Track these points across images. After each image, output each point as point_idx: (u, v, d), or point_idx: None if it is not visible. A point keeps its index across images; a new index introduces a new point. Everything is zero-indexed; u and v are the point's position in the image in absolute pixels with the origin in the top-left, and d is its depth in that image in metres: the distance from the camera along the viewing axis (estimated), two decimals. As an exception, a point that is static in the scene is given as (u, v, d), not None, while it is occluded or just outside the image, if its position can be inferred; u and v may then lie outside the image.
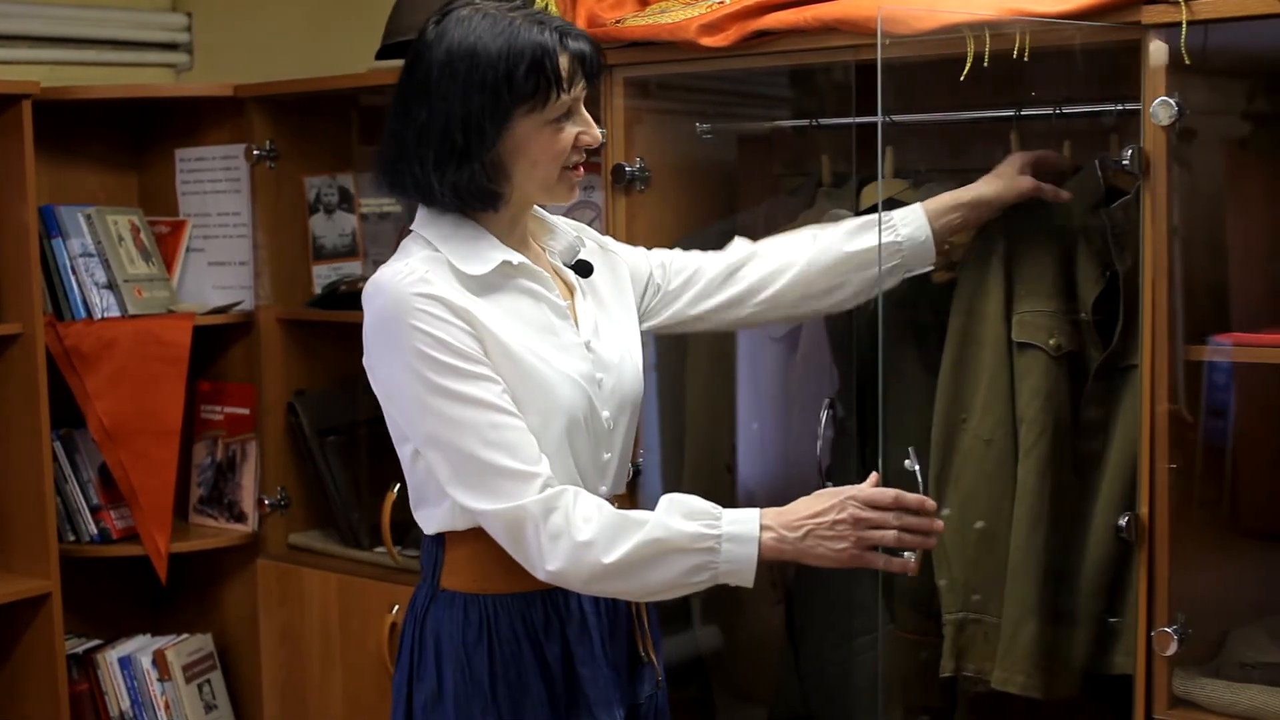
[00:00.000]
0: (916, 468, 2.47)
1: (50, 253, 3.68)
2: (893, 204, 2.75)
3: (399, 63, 3.31)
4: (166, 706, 3.79)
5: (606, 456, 2.32)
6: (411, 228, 2.28)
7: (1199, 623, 2.43)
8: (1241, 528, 2.68)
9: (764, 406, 3.03)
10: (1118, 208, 2.55)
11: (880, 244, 2.51)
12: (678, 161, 3.07)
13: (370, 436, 3.68)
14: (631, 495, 2.92)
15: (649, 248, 2.60)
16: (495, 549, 2.21)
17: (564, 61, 2.17)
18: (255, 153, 3.71)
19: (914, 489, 2.40)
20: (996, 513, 2.57)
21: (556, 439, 2.19)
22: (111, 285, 3.72)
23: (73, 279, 3.69)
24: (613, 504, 2.21)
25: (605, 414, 2.29)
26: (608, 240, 2.51)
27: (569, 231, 2.40)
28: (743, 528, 2.15)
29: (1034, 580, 2.53)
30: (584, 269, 2.38)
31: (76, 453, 3.77)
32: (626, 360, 2.36)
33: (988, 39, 2.43)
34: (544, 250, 2.37)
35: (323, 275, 3.83)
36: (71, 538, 3.75)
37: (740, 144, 3.25)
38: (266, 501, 3.78)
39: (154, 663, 3.80)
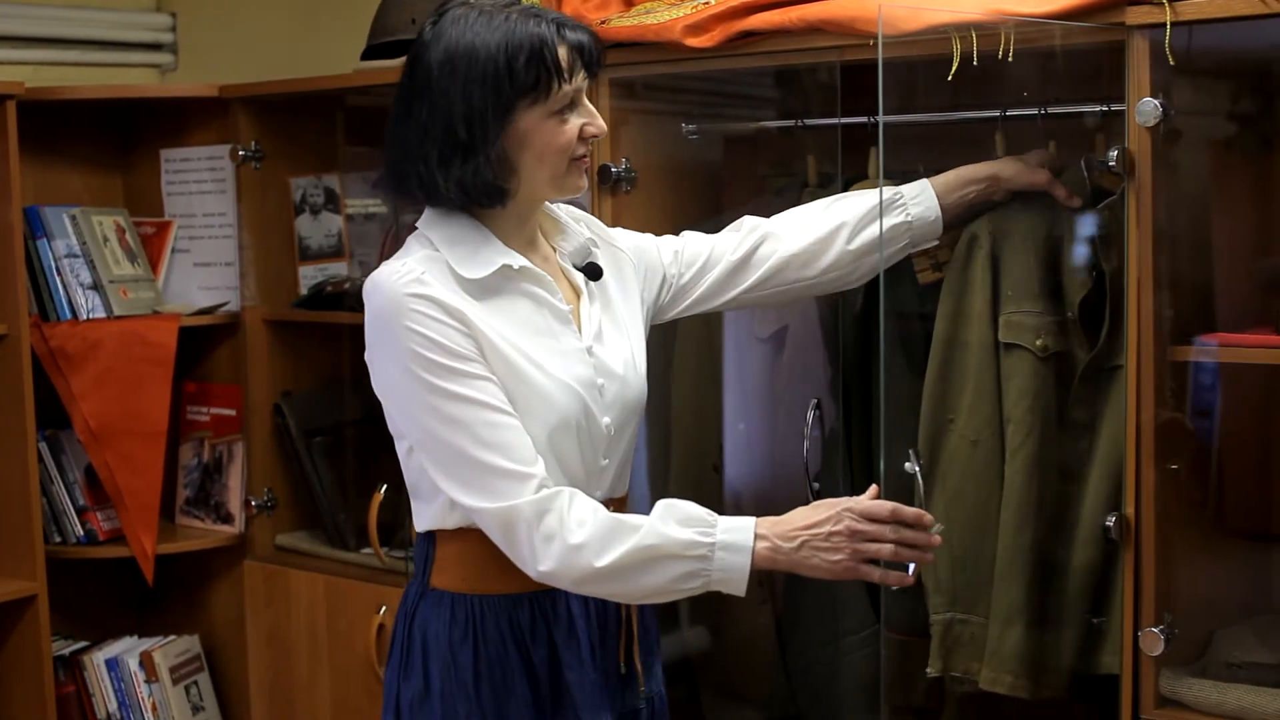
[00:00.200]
0: (917, 469, 2.47)
1: (35, 253, 3.67)
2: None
3: (385, 63, 3.34)
4: (154, 708, 3.79)
5: (604, 463, 2.31)
6: (417, 225, 2.28)
7: (1186, 623, 2.43)
8: (1228, 528, 2.68)
9: (751, 407, 3.03)
10: (1104, 208, 2.55)
11: (881, 240, 2.52)
12: (664, 162, 3.07)
13: (357, 437, 3.69)
14: (618, 496, 2.93)
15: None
16: (483, 549, 2.21)
17: (563, 52, 2.17)
18: (240, 153, 3.70)
19: (914, 490, 2.41)
20: (983, 513, 2.57)
21: (543, 444, 2.19)
22: (97, 286, 3.71)
23: (58, 280, 3.68)
24: (609, 508, 2.20)
25: (606, 420, 2.29)
26: (616, 234, 2.49)
27: (582, 232, 2.39)
28: (737, 536, 2.15)
29: (1022, 581, 2.53)
30: (594, 272, 2.37)
31: (62, 454, 3.76)
32: (631, 366, 2.35)
33: (974, 40, 2.43)
34: (555, 250, 2.37)
35: (308, 276, 3.82)
36: (58, 539, 3.74)
37: (726, 144, 3.25)
38: (253, 502, 3.77)
39: (141, 664, 3.80)
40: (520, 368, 2.18)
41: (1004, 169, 2.60)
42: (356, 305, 3.53)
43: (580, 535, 2.11)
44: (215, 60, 4.40)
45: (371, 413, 3.62)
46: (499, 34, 2.15)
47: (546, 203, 2.35)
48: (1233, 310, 2.53)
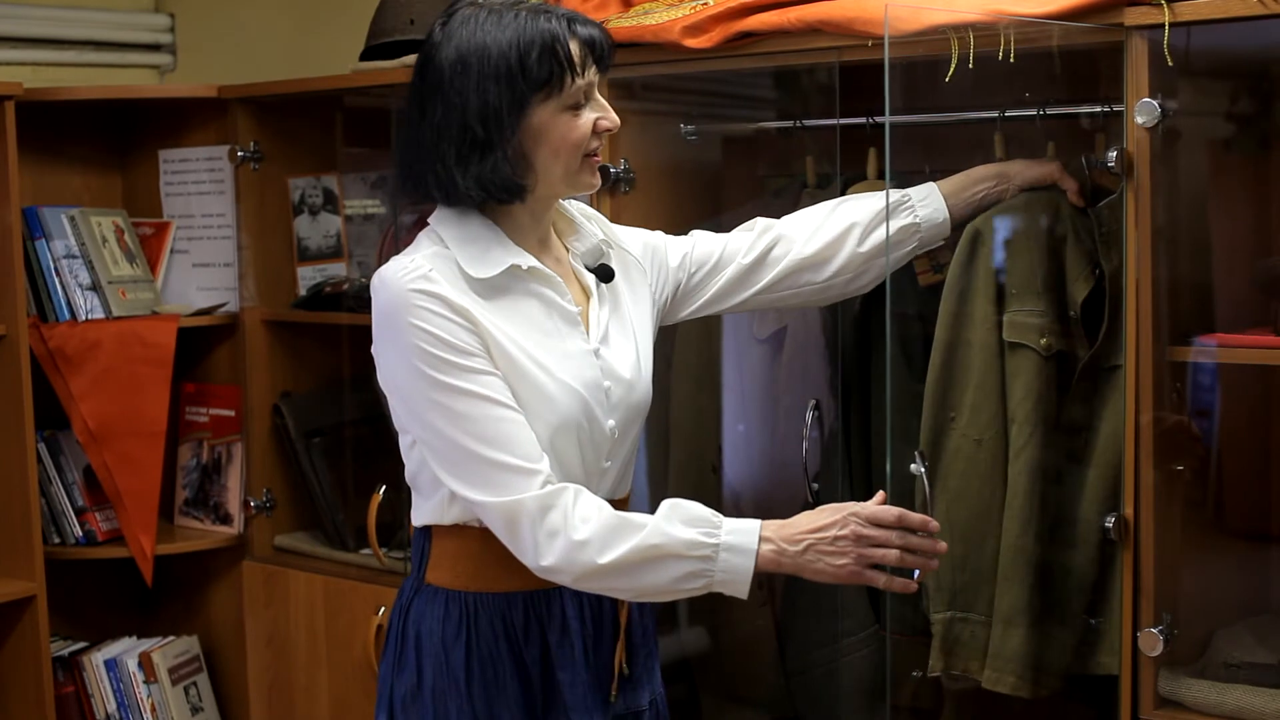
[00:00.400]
0: (922, 471, 2.47)
1: (34, 254, 3.67)
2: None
3: (383, 64, 3.34)
4: (153, 709, 3.78)
5: (607, 464, 2.31)
6: (429, 222, 2.29)
7: (1185, 623, 2.43)
8: (1227, 528, 2.68)
9: (749, 408, 3.03)
10: (1104, 207, 2.55)
11: (888, 243, 2.51)
12: (663, 163, 3.07)
13: (356, 438, 3.69)
14: (617, 496, 2.93)
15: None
16: (479, 546, 2.22)
17: (574, 47, 2.18)
18: (239, 154, 3.70)
19: (919, 493, 2.41)
20: (985, 512, 2.56)
21: (544, 445, 2.19)
22: (95, 287, 3.71)
23: (56, 280, 3.68)
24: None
25: (611, 423, 2.29)
26: (625, 235, 2.49)
27: (595, 233, 2.40)
28: (741, 538, 2.15)
29: (1025, 580, 2.53)
30: (605, 274, 2.37)
31: (61, 455, 3.76)
32: (637, 370, 2.35)
33: (972, 40, 2.43)
34: (569, 250, 2.37)
35: (307, 277, 3.82)
36: (56, 540, 3.74)
37: (725, 145, 3.25)
38: (252, 503, 3.77)
39: (140, 665, 3.79)
40: (524, 368, 2.19)
41: (1011, 167, 2.61)
42: (355, 306, 3.55)
43: (584, 532, 2.12)
44: (214, 61, 4.40)
45: (370, 413, 3.65)
46: (510, 31, 2.16)
47: (561, 202, 2.36)
48: (1231, 310, 2.53)
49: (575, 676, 2.28)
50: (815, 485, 2.85)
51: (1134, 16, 2.31)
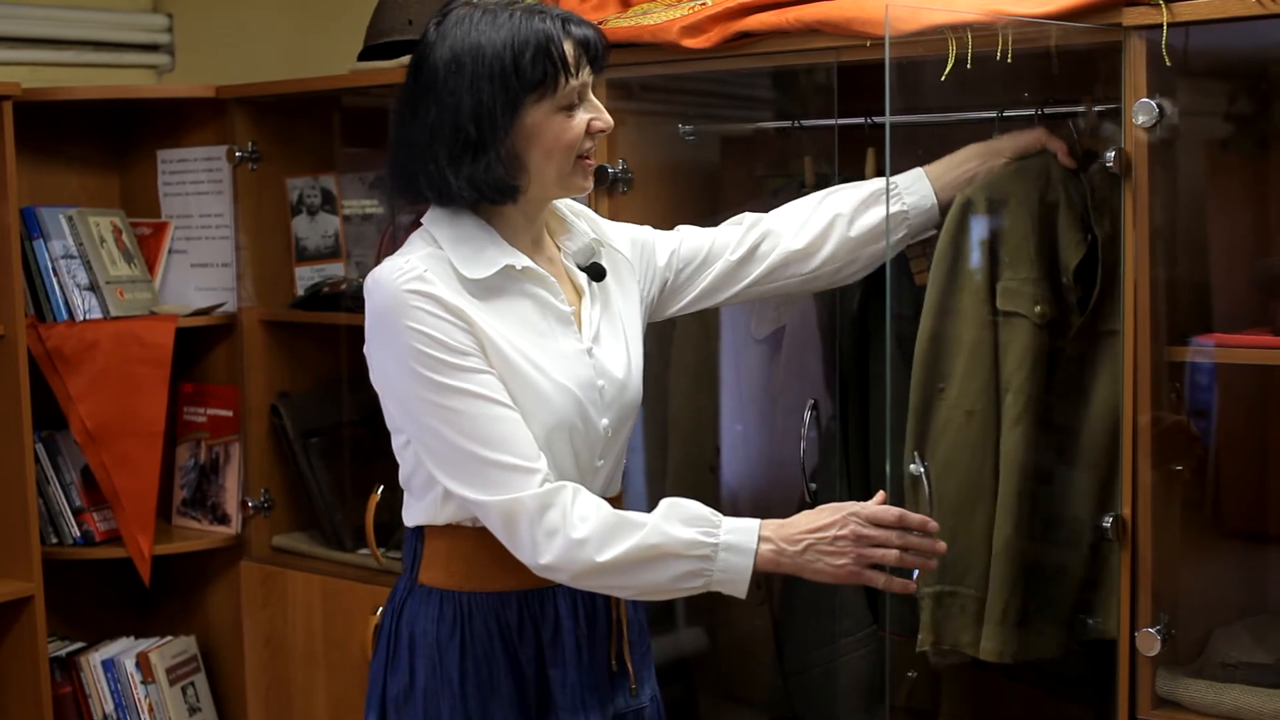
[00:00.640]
0: (922, 470, 2.47)
1: (32, 254, 3.67)
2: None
3: (381, 64, 3.34)
4: (150, 709, 3.78)
5: (600, 463, 2.31)
6: (422, 222, 2.28)
7: (1182, 623, 2.44)
8: (1224, 528, 2.68)
9: (747, 407, 3.03)
10: (1096, 171, 2.54)
11: (889, 241, 2.52)
12: (661, 163, 3.07)
13: (353, 438, 3.69)
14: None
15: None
16: (473, 546, 2.22)
17: (569, 47, 2.18)
18: (237, 154, 3.70)
19: (918, 491, 2.41)
20: (976, 483, 2.55)
21: (540, 444, 2.19)
22: (93, 287, 3.71)
23: (54, 280, 3.68)
24: None
25: (604, 422, 2.29)
26: (613, 231, 2.49)
27: (587, 232, 2.40)
28: (741, 538, 2.15)
29: (1022, 552, 2.52)
30: (597, 273, 2.37)
31: (59, 455, 3.76)
32: (629, 368, 2.35)
33: (970, 40, 2.43)
34: (560, 250, 2.37)
35: (305, 277, 3.82)
36: (54, 540, 3.74)
37: (723, 145, 3.25)
38: (250, 503, 3.77)
39: (138, 665, 3.79)
40: (520, 368, 2.19)
41: (997, 142, 2.61)
42: (353, 306, 3.55)
43: (583, 530, 2.12)
44: (212, 61, 4.40)
45: (368, 413, 3.64)
46: (505, 31, 2.15)
47: (553, 201, 2.35)
48: (1229, 310, 2.53)
49: (566, 676, 2.28)
50: (813, 485, 2.85)
51: (1132, 17, 2.32)
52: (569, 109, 2.20)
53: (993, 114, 2.64)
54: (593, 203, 2.96)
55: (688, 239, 2.56)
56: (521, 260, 2.24)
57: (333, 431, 3.70)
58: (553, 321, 2.26)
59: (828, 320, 2.85)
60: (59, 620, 3.80)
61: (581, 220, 2.41)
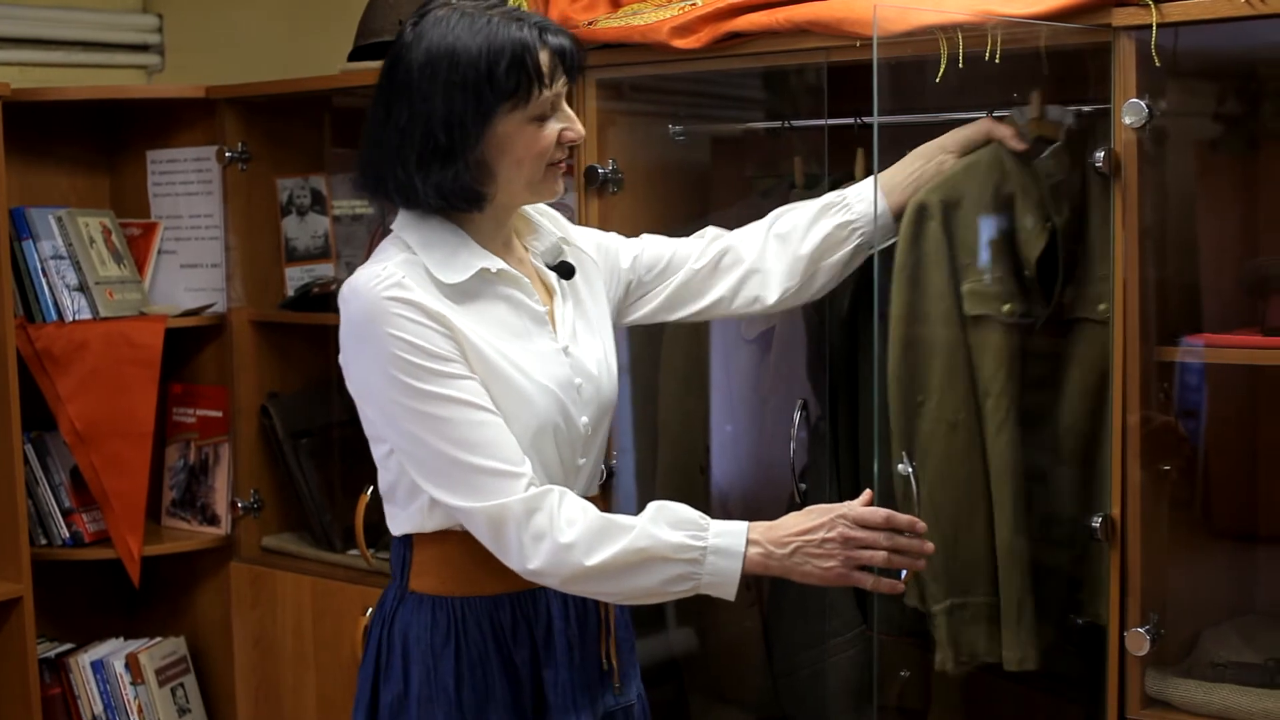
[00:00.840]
0: (910, 471, 2.47)
1: (21, 255, 3.66)
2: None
3: (372, 64, 3.34)
4: (140, 710, 3.78)
5: (581, 462, 2.31)
6: (391, 228, 2.27)
7: (1172, 623, 2.44)
8: (1214, 528, 2.69)
9: (737, 408, 3.03)
10: (1049, 156, 2.53)
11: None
12: (650, 163, 3.07)
13: (343, 439, 3.68)
14: (605, 497, 2.92)
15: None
16: (464, 551, 2.21)
17: (544, 57, 2.16)
18: (227, 154, 3.70)
19: (906, 492, 2.40)
20: (971, 493, 2.55)
21: (526, 446, 2.18)
22: (83, 287, 3.71)
23: (44, 281, 3.68)
24: None
25: (584, 420, 2.29)
26: (577, 233, 2.48)
27: (553, 232, 2.39)
28: (728, 541, 2.14)
29: (1028, 556, 2.52)
30: (566, 271, 2.37)
31: (48, 455, 3.76)
32: (604, 365, 2.35)
33: (960, 41, 2.43)
34: (528, 251, 2.37)
35: (295, 277, 3.82)
36: (43, 541, 3.73)
37: (713, 146, 3.25)
38: (239, 504, 3.77)
39: (127, 666, 3.79)
40: (503, 371, 2.18)
41: (944, 139, 2.59)
42: (343, 307, 3.53)
43: (570, 534, 2.11)
44: (202, 61, 4.40)
45: (358, 415, 3.64)
46: (480, 37, 2.13)
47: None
48: (1219, 311, 2.54)
49: (559, 676, 2.28)
50: (803, 485, 2.85)
51: (1122, 17, 2.32)
52: (541, 119, 2.19)
53: (982, 114, 2.64)
54: (582, 203, 2.96)
55: (650, 245, 2.56)
56: (496, 263, 2.23)
57: (322, 432, 3.70)
58: (529, 322, 2.26)
59: (817, 321, 2.85)
60: (48, 621, 3.79)
61: (546, 219, 2.41)
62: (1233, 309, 2.54)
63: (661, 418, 3.05)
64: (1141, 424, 2.37)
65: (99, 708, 3.77)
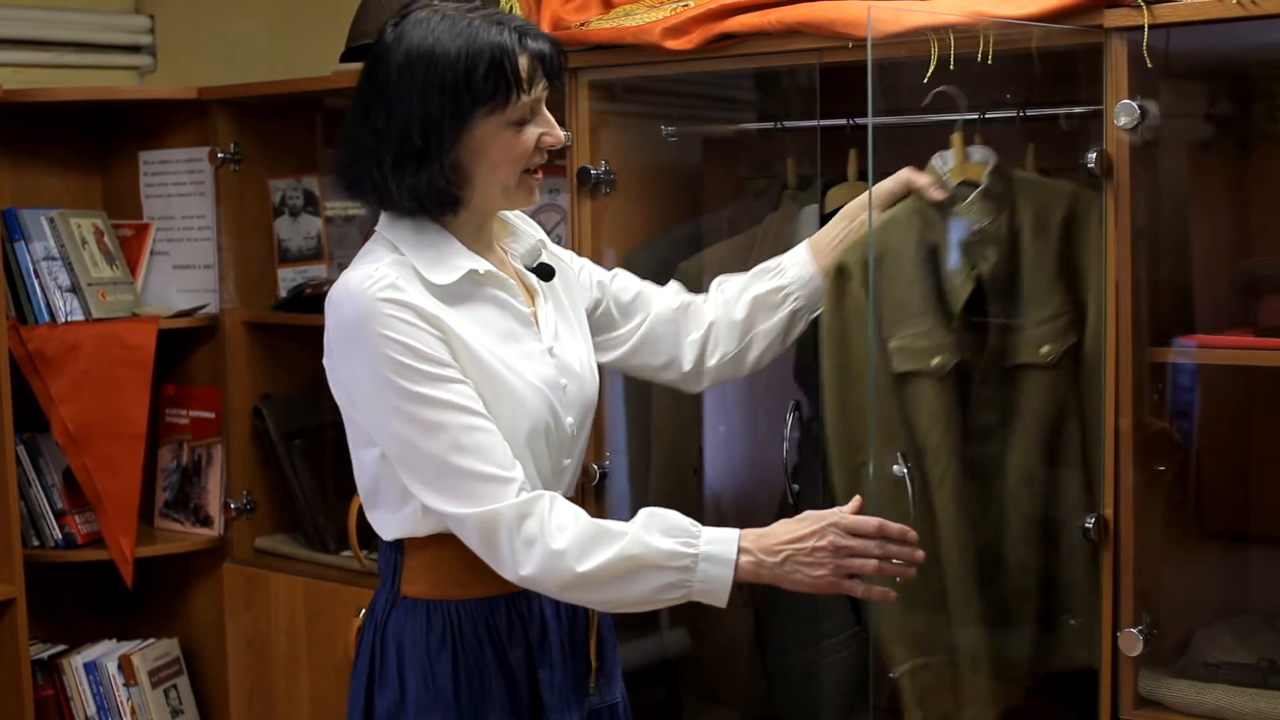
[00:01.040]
0: (905, 472, 2.46)
1: (13, 256, 3.66)
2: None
3: (363, 65, 3.33)
4: (133, 712, 3.78)
5: (566, 463, 2.31)
6: (376, 229, 2.26)
7: (1165, 623, 2.44)
8: (1206, 528, 2.69)
9: (730, 409, 3.03)
10: (970, 204, 2.51)
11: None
12: (643, 164, 3.06)
13: (337, 440, 3.66)
14: (598, 498, 2.92)
15: (614, 250, 2.58)
16: (457, 554, 2.20)
17: (524, 62, 2.15)
18: (219, 155, 3.69)
19: (903, 495, 2.40)
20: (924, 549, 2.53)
21: (519, 448, 2.18)
22: (75, 289, 3.70)
23: (36, 282, 3.67)
24: None
25: (569, 420, 2.28)
26: (557, 249, 2.48)
27: (531, 234, 2.39)
28: (720, 548, 2.13)
29: (978, 609, 2.51)
30: (546, 273, 2.36)
31: (40, 457, 3.75)
32: (586, 365, 2.35)
33: (952, 42, 2.43)
34: (507, 253, 2.36)
35: (288, 278, 3.81)
36: (36, 542, 3.73)
37: (705, 146, 3.25)
38: (232, 505, 3.77)
39: (120, 668, 3.78)
40: (497, 373, 2.17)
41: (861, 200, 2.57)
42: (336, 308, 3.53)
43: (562, 541, 2.10)
44: (194, 62, 4.39)
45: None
46: (460, 40, 2.12)
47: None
48: (1211, 311, 2.54)
49: (553, 675, 2.27)
50: (795, 486, 2.85)
51: (1113, 18, 2.32)
52: (520, 124, 2.17)
53: (974, 115, 2.64)
54: (574, 204, 2.96)
55: (621, 275, 2.55)
56: (483, 264, 2.22)
57: (315, 433, 3.70)
58: (515, 324, 2.25)
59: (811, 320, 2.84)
60: (41, 623, 3.79)
61: (526, 223, 2.41)
62: (1225, 310, 2.54)
63: (655, 420, 3.05)
64: (1134, 424, 2.37)
65: (92, 709, 3.77)
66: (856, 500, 2.21)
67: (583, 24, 2.92)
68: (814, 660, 2.87)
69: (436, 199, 2.17)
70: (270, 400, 3.74)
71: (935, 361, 2.49)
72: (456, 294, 2.19)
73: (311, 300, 3.67)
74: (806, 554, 2.15)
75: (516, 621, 2.26)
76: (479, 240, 2.27)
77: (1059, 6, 2.36)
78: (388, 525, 2.27)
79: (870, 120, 2.33)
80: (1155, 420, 2.44)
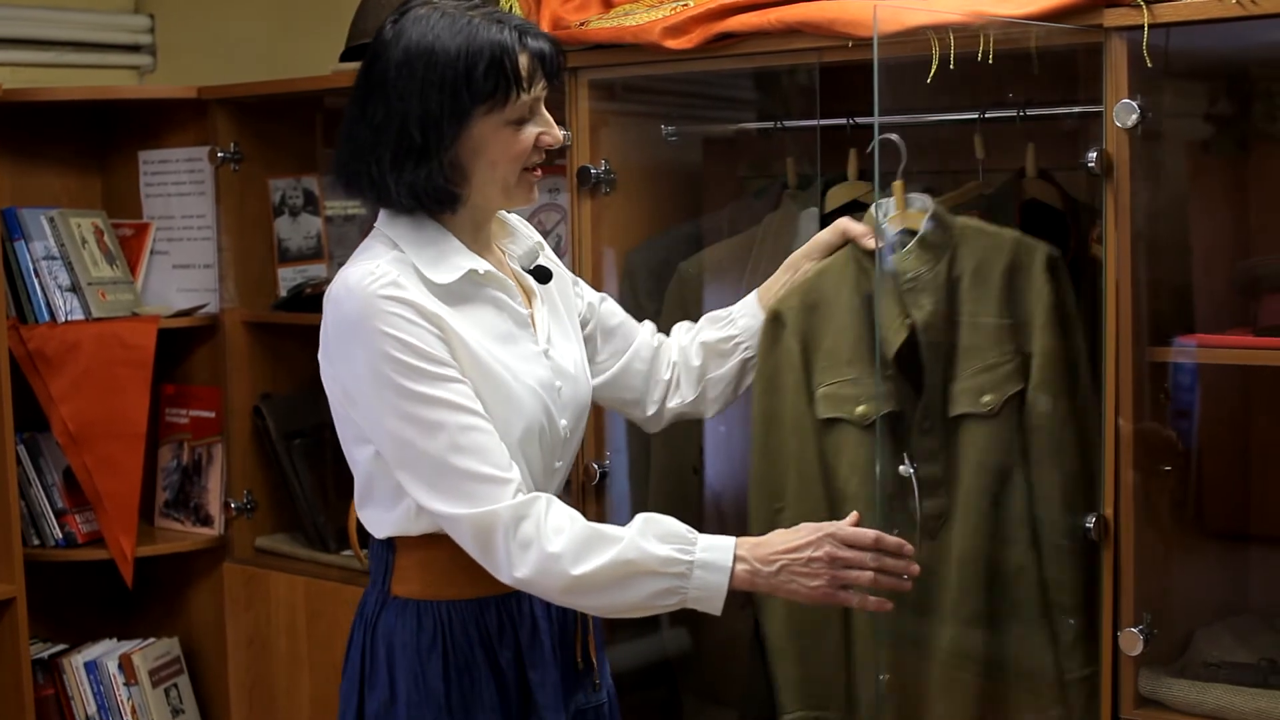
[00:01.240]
0: (912, 472, 2.46)
1: (13, 255, 3.66)
2: (855, 206, 2.75)
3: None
4: (133, 711, 3.78)
5: (558, 465, 2.31)
6: (376, 225, 2.26)
7: (1165, 623, 2.44)
8: (1206, 528, 2.69)
9: (731, 409, 3.02)
10: (906, 254, 2.48)
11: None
12: (643, 164, 3.06)
13: (336, 439, 3.67)
14: (599, 498, 2.92)
15: (614, 249, 2.58)
16: (448, 554, 2.19)
17: (523, 60, 2.15)
18: (219, 155, 3.69)
19: (908, 493, 2.39)
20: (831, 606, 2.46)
21: (512, 449, 2.17)
22: (75, 288, 3.70)
23: (36, 282, 3.67)
24: None
25: (564, 423, 2.28)
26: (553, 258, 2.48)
27: (529, 236, 2.39)
28: (716, 556, 2.13)
29: (889, 664, 2.51)
30: (543, 275, 2.36)
31: (41, 456, 3.75)
32: (580, 368, 2.35)
33: (952, 41, 2.43)
34: (505, 254, 2.36)
35: (288, 278, 3.81)
36: (36, 542, 3.73)
37: (705, 146, 3.25)
38: (233, 505, 3.77)
39: (120, 667, 3.79)
40: (495, 373, 2.17)
41: (809, 245, 2.60)
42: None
43: (558, 544, 2.10)
44: (194, 62, 4.39)
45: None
46: (460, 38, 2.12)
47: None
48: (1211, 311, 2.54)
49: (545, 676, 2.27)
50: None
51: (1113, 18, 2.32)
52: (519, 123, 2.18)
53: (975, 115, 2.64)
54: (574, 204, 2.96)
55: (608, 301, 2.56)
56: (482, 264, 2.22)
57: (315, 433, 3.70)
58: (513, 325, 2.25)
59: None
60: (41, 622, 3.79)
61: (521, 224, 2.41)
62: (1225, 309, 2.54)
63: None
64: (1134, 424, 2.37)
65: (92, 709, 3.77)
66: (854, 515, 2.21)
67: (582, 23, 2.92)
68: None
69: (435, 196, 2.17)
70: (270, 400, 3.74)
71: (859, 410, 2.49)
72: (456, 293, 2.19)
73: (311, 300, 3.67)
74: (802, 564, 2.15)
75: (507, 622, 2.26)
76: (478, 240, 2.27)
77: (1059, 6, 2.36)
78: (380, 523, 2.27)
79: (876, 120, 2.33)
80: (1155, 420, 2.44)
